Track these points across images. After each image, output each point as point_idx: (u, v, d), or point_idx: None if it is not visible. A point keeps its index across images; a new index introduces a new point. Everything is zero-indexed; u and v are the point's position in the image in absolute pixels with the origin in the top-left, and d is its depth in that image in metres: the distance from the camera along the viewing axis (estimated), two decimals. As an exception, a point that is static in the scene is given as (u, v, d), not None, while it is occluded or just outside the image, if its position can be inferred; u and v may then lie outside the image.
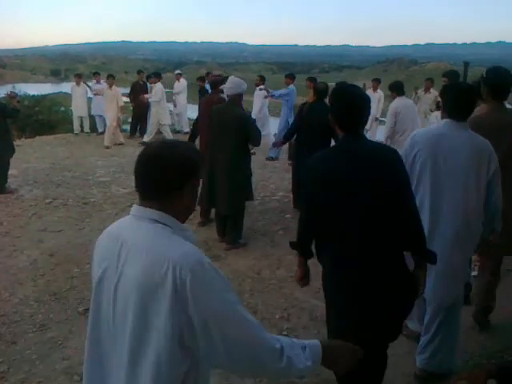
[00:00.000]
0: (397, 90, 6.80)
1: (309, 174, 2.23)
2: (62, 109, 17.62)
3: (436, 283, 2.61)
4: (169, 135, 10.63)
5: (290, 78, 9.01)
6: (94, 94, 11.54)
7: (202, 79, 10.86)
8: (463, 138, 2.59)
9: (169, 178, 1.33)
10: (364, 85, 10.89)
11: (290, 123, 8.30)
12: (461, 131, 2.61)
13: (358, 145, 2.18)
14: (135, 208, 1.38)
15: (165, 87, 10.84)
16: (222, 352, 1.24)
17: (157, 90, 10.52)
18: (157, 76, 11.04)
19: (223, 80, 6.48)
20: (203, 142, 5.51)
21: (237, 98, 4.87)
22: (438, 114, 7.88)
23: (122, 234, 1.36)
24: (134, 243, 1.31)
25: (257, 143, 4.92)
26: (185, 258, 1.24)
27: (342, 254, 2.13)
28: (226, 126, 4.68)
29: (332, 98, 2.32)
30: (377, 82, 10.47)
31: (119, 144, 10.71)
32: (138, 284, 1.25)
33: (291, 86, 8.91)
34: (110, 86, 10.73)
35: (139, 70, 12.72)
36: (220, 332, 1.23)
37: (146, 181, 1.36)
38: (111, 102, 10.56)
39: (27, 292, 3.98)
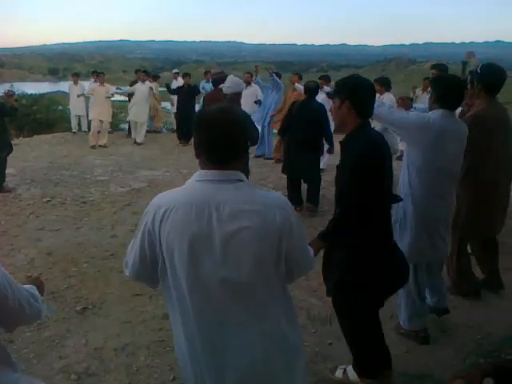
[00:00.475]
0: (385, 85, 7.09)
1: (361, 164, 2.23)
2: (60, 108, 17.62)
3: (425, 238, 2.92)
4: (141, 133, 10.80)
5: (277, 75, 9.49)
6: (91, 94, 11.52)
7: (187, 75, 10.82)
8: (459, 129, 2.88)
9: (242, 141, 1.50)
10: None
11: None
12: (455, 120, 2.90)
13: (374, 131, 2.39)
14: (213, 173, 1.47)
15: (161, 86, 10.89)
16: (299, 264, 1.62)
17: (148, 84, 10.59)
18: (147, 74, 11.14)
19: (225, 77, 6.50)
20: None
21: (235, 97, 4.88)
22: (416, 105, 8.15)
23: (211, 199, 1.45)
24: (235, 202, 1.44)
25: (255, 142, 4.94)
26: (282, 203, 1.52)
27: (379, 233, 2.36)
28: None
29: (356, 84, 2.32)
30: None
31: (93, 146, 10.23)
32: (259, 232, 1.43)
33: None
34: (102, 83, 10.62)
35: (137, 69, 12.69)
36: (302, 250, 1.60)
37: (223, 145, 1.46)
38: (104, 100, 10.48)
39: (25, 291, 3.97)
